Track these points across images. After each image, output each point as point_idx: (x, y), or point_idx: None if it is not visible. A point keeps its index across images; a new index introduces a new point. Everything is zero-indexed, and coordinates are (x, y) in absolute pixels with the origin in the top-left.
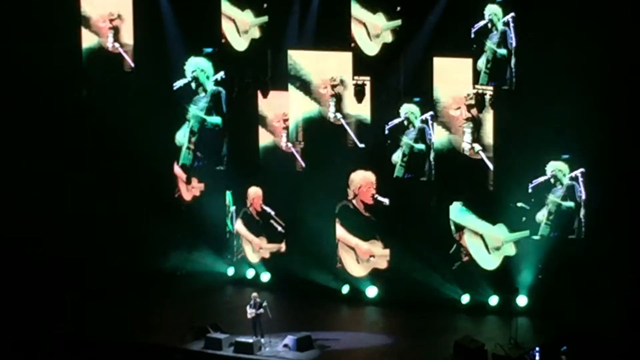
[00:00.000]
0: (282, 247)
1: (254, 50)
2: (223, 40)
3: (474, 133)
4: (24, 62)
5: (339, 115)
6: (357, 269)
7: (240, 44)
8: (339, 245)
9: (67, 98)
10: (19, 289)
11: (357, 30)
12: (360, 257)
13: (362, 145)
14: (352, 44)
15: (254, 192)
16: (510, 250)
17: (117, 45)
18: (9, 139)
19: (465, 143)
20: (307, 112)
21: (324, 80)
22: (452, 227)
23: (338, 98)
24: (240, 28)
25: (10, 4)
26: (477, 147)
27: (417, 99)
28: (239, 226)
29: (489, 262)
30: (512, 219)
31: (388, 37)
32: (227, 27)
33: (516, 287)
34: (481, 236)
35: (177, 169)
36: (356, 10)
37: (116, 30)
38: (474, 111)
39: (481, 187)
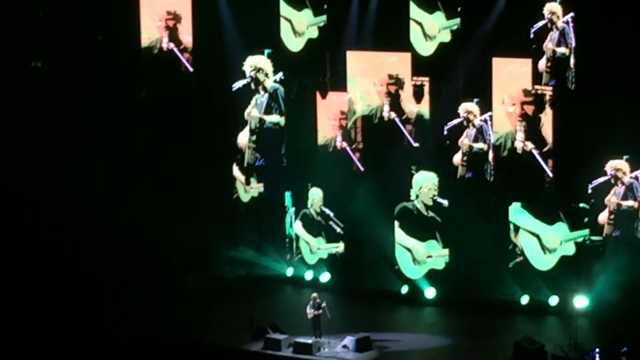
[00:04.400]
0: (340, 247)
1: (311, 50)
2: (279, 42)
3: (527, 132)
4: (83, 61)
5: (393, 114)
6: (413, 271)
7: (295, 44)
8: (396, 246)
9: (126, 98)
10: (77, 290)
11: (413, 31)
12: (417, 258)
13: (416, 145)
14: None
15: (315, 193)
16: (569, 250)
17: (172, 45)
18: (67, 139)
19: (518, 142)
20: (364, 112)
21: (380, 79)
22: (511, 227)
23: (394, 97)
24: (296, 29)
25: (69, 3)
26: (529, 145)
27: (476, 99)
28: (297, 227)
29: (544, 262)
30: (572, 220)
31: (446, 37)
32: (283, 27)
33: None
34: (537, 236)
35: (236, 171)
36: (414, 10)
37: (172, 30)
38: (529, 109)
39: (539, 186)
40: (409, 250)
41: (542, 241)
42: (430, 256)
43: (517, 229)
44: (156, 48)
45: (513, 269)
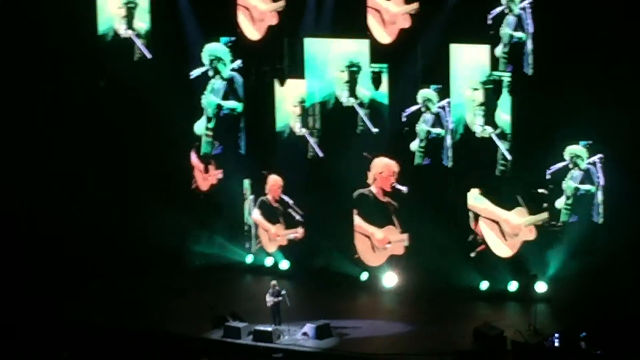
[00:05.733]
0: (299, 233)
1: (270, 37)
2: (238, 30)
3: (486, 116)
4: (40, 51)
5: (352, 100)
6: (373, 258)
7: (254, 33)
8: (355, 235)
9: (85, 88)
10: (40, 279)
11: (371, 18)
12: (376, 245)
13: (375, 130)
14: (367, 33)
15: (273, 180)
16: (530, 235)
17: (130, 32)
18: (25, 131)
19: (477, 126)
20: (323, 98)
21: (338, 66)
22: (470, 215)
23: (352, 83)
24: (255, 16)
25: None
26: (489, 129)
27: (434, 86)
28: (255, 214)
29: (505, 249)
30: (531, 205)
31: (405, 23)
32: (241, 15)
33: (534, 273)
34: (497, 223)
35: (194, 159)
36: None
37: (130, 18)
38: (488, 95)
39: (497, 172)
40: (367, 237)
41: (502, 228)
42: (389, 242)
43: (476, 217)
44: (109, 36)
45: (474, 256)
